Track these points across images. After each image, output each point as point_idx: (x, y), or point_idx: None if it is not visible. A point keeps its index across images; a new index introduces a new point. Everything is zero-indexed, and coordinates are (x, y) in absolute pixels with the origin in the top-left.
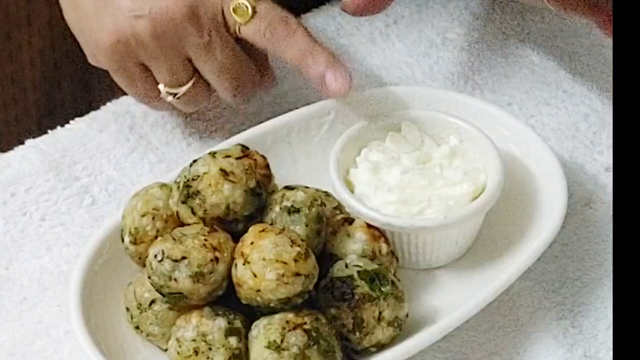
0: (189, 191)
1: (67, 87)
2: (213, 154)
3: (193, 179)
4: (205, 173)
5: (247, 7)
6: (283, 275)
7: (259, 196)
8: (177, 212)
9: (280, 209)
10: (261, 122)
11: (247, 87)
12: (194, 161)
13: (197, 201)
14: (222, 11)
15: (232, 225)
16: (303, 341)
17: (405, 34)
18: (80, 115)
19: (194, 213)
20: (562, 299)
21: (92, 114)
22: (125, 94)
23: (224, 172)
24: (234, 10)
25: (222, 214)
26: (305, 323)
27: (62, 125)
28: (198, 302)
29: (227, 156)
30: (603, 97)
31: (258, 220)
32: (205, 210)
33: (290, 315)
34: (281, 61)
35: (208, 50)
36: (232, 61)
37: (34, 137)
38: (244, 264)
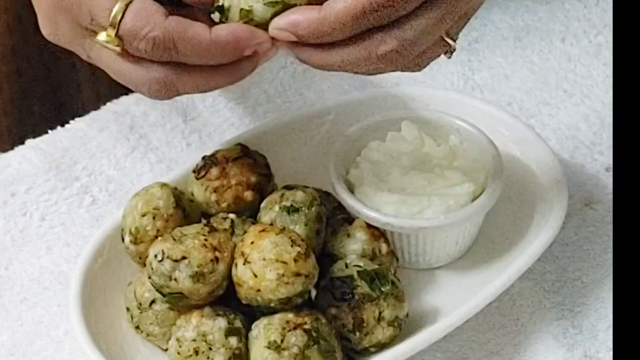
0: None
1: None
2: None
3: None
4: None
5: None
6: (283, 275)
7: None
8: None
9: (280, 208)
10: (261, 122)
11: None
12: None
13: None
14: None
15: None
16: (303, 341)
17: None
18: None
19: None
20: (562, 299)
21: (93, 113)
22: (125, 93)
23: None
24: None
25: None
26: (305, 323)
27: (62, 125)
28: (198, 302)
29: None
30: (603, 97)
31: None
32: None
33: (290, 315)
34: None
35: None
36: None
37: (34, 137)
38: (244, 264)
